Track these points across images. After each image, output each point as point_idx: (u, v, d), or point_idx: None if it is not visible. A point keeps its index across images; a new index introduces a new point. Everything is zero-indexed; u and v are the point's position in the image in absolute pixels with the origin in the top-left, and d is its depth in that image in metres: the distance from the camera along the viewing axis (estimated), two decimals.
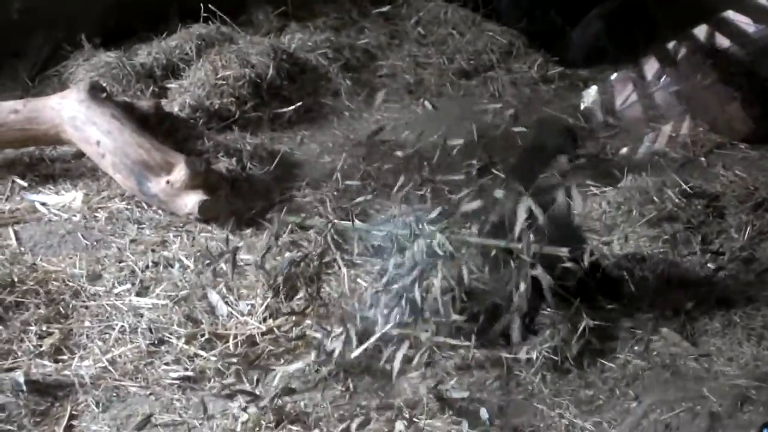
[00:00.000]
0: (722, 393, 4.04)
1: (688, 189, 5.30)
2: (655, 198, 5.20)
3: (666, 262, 4.85)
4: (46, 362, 4.15)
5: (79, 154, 5.56)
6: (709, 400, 4.00)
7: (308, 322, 4.43)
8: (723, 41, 7.39)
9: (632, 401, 4.03)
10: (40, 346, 4.22)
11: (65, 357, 4.20)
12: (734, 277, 4.74)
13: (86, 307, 4.47)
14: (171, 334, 4.32)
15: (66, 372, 4.09)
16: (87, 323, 4.37)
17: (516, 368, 4.21)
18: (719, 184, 5.59)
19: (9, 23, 6.54)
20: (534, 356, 4.20)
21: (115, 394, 4.03)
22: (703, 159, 6.02)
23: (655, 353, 4.33)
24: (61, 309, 4.45)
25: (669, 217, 5.11)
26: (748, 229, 5.10)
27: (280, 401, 3.99)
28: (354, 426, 3.84)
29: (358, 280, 4.69)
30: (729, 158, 6.04)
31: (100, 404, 3.97)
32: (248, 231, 5.10)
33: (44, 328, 4.31)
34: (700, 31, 7.43)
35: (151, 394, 4.05)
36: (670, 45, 7.34)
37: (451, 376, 4.17)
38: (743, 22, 7.30)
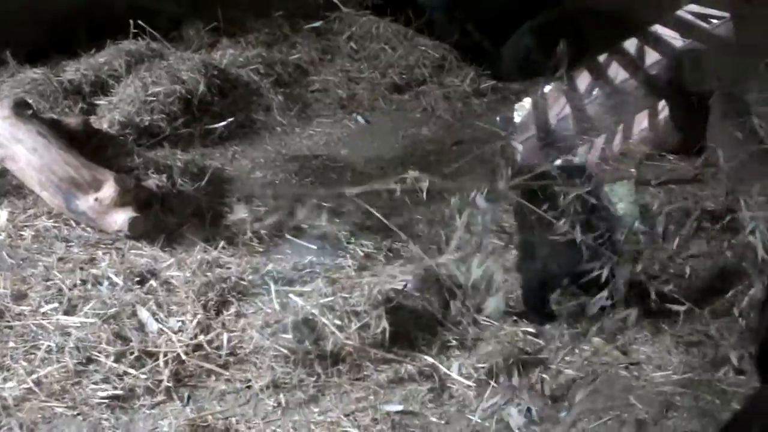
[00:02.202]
0: (649, 400, 4.06)
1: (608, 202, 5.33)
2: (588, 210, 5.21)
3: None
4: None
5: (4, 172, 5.47)
6: (635, 407, 4.02)
7: (240, 337, 4.39)
8: (651, 54, 7.49)
9: (563, 411, 4.04)
10: None
11: None
12: (664, 287, 4.77)
13: (11, 327, 4.38)
14: (99, 352, 4.24)
15: None
16: (11, 344, 4.28)
17: (448, 381, 4.21)
18: (648, 195, 5.63)
19: None
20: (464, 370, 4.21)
21: (40, 416, 3.94)
22: (633, 170, 6.07)
23: (586, 362, 4.35)
24: None
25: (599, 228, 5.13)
26: (677, 239, 5.14)
27: (211, 418, 3.94)
28: None
29: (290, 295, 4.64)
30: (659, 169, 6.09)
31: (25, 427, 3.88)
32: (178, 247, 5.04)
33: None
34: (630, 45, 7.51)
35: (78, 414, 3.97)
36: (601, 58, 7.41)
37: (384, 389, 4.15)
38: (670, 35, 7.40)
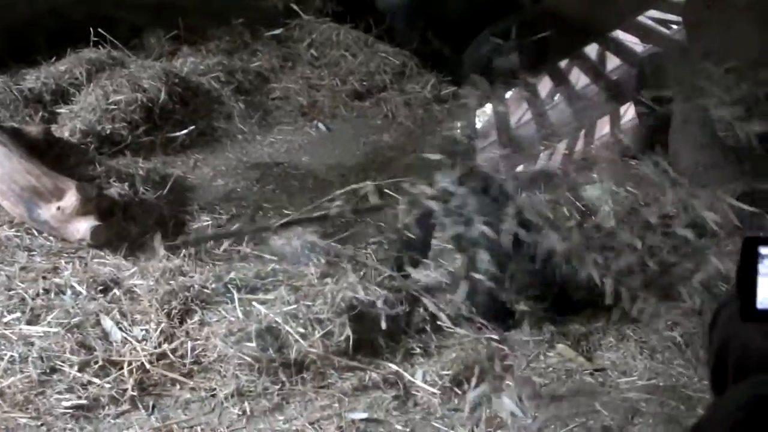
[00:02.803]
0: (614, 407, 4.10)
1: (581, 206, 5.36)
2: (549, 215, 5.24)
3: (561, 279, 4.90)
4: None
5: None
6: (601, 414, 4.06)
7: (204, 345, 4.38)
8: (612, 59, 7.55)
9: (529, 418, 4.06)
10: None
11: None
12: (628, 292, 4.80)
13: None
14: (63, 362, 4.22)
15: None
16: None
17: (413, 388, 4.22)
18: (611, 200, 5.66)
19: None
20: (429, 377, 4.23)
21: (3, 427, 3.92)
22: (595, 175, 6.10)
23: (551, 369, 4.38)
24: None
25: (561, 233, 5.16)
26: (640, 244, 5.17)
27: (176, 427, 3.94)
28: None
29: (254, 303, 4.64)
30: (620, 174, 6.12)
31: None
32: (141, 256, 5.02)
33: None
34: (591, 50, 7.57)
35: (42, 424, 3.95)
36: (562, 64, 7.46)
37: (349, 397, 4.16)
38: (631, 41, 7.47)
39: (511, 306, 4.62)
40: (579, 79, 7.62)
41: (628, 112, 7.35)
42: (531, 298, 4.63)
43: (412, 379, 4.26)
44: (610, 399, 4.16)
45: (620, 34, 7.53)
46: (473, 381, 4.17)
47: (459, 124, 6.62)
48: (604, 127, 7.32)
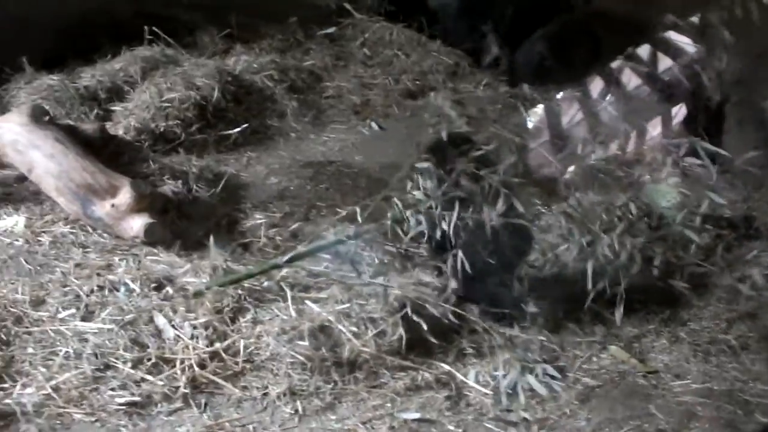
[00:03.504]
0: (669, 410, 4.06)
1: (634, 207, 5.32)
2: (603, 216, 5.21)
3: (614, 279, 4.87)
4: None
5: (22, 178, 5.48)
6: (656, 417, 4.02)
7: (256, 344, 4.39)
8: (664, 60, 7.48)
9: (583, 420, 4.03)
10: None
11: (7, 385, 4.08)
12: (682, 294, 4.76)
13: (29, 333, 4.37)
14: (117, 358, 4.23)
15: (7, 401, 3.99)
16: (30, 350, 4.27)
17: (465, 388, 4.21)
18: (664, 201, 5.62)
19: None
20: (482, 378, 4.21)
21: (59, 422, 3.94)
22: (648, 177, 6.05)
23: (603, 371, 4.35)
24: (3, 335, 4.33)
25: (617, 234, 5.12)
26: (693, 246, 5.12)
27: (228, 425, 3.95)
28: None
29: (306, 302, 4.64)
30: (672, 175, 6.06)
31: None
32: (194, 253, 5.04)
33: None
34: (643, 51, 7.50)
35: (96, 420, 3.97)
36: (614, 64, 7.40)
37: (401, 396, 4.16)
38: (683, 41, 7.39)
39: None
40: (630, 79, 7.55)
41: (681, 113, 7.27)
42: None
43: (465, 380, 4.24)
44: (665, 402, 4.12)
45: (672, 35, 7.46)
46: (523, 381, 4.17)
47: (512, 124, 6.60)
48: (656, 127, 7.24)
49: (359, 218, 4.56)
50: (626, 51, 7.18)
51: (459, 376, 4.26)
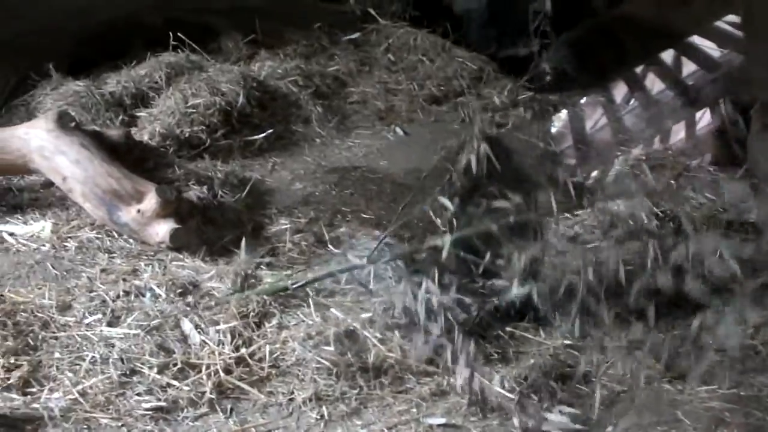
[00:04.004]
0: (697, 416, 4.04)
1: (658, 212, 5.31)
2: (629, 221, 5.20)
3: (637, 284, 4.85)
4: (14, 395, 4.06)
5: (48, 184, 5.52)
6: (684, 423, 4.00)
7: (282, 349, 4.40)
8: (689, 65, 7.46)
9: (609, 426, 4.02)
10: (8, 378, 4.13)
11: (34, 389, 4.10)
12: (707, 299, 4.74)
13: (56, 338, 4.39)
14: (143, 364, 4.25)
15: (35, 405, 4.01)
16: (57, 354, 4.29)
17: (491, 394, 4.20)
18: (689, 207, 5.60)
19: None
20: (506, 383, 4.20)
21: (85, 427, 3.95)
22: (672, 182, 6.04)
23: (629, 376, 4.33)
24: (30, 340, 4.36)
25: (640, 240, 5.11)
26: (719, 251, 5.10)
27: (254, 430, 3.96)
28: None
29: (332, 309, 4.65)
30: (698, 181, 6.05)
31: None
32: (220, 259, 5.06)
33: (12, 361, 4.22)
34: (667, 56, 7.49)
35: (123, 425, 3.97)
36: (638, 69, 7.40)
37: (427, 402, 4.15)
38: (708, 47, 7.38)
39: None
40: (655, 84, 7.54)
41: (705, 118, 7.26)
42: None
43: (491, 385, 4.23)
44: (693, 408, 4.09)
45: (697, 39, 7.45)
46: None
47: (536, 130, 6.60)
48: (679, 132, 7.23)
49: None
50: (650, 56, 7.19)
51: (484, 381, 4.25)
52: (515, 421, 4.00)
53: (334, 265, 4.91)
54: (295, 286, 4.71)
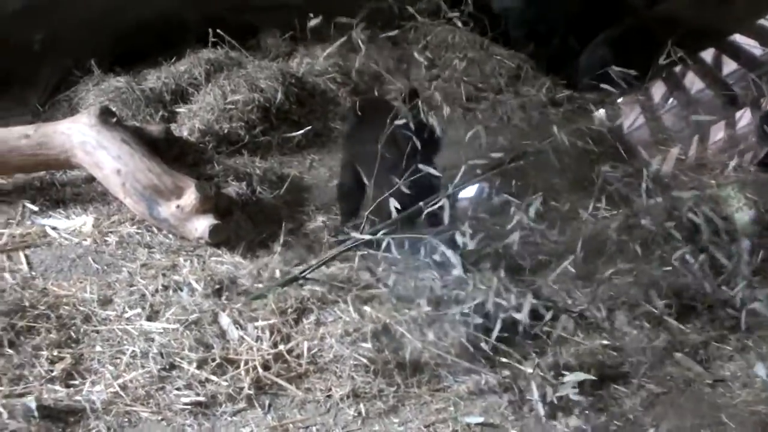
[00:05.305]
0: (741, 419, 4.03)
1: (698, 211, 5.27)
2: (666, 221, 5.16)
3: (678, 286, 4.84)
4: (57, 387, 4.11)
5: (90, 179, 5.56)
6: (728, 426, 3.99)
7: (319, 346, 4.42)
8: (729, 64, 7.42)
9: (649, 427, 4.01)
10: (52, 371, 4.19)
11: (77, 382, 4.16)
12: (746, 300, 4.71)
13: (97, 332, 4.44)
14: (182, 358, 4.29)
15: (77, 397, 4.06)
16: (98, 348, 4.34)
17: (528, 393, 4.20)
18: (729, 207, 5.56)
19: (19, 49, 6.55)
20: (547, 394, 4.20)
21: (126, 420, 4.00)
22: (713, 181, 6.00)
23: (668, 378, 4.32)
24: (72, 333, 4.42)
25: (680, 240, 5.08)
26: (760, 252, 5.07)
27: (291, 426, 3.98)
28: None
29: (365, 307, 4.65)
30: (739, 181, 6.01)
31: (112, 430, 3.94)
32: (258, 255, 5.08)
33: (56, 353, 4.28)
34: (707, 54, 7.45)
35: (162, 419, 4.02)
36: (677, 68, 7.36)
37: (464, 400, 4.16)
38: (750, 45, 7.34)
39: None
40: (694, 83, 7.51)
41: (745, 117, 7.21)
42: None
43: (528, 384, 4.23)
44: (736, 411, 4.08)
45: (738, 38, 7.41)
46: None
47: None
48: (719, 132, 7.18)
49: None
50: (690, 54, 7.14)
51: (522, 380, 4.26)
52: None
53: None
54: (304, 274, 4.72)
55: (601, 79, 7.35)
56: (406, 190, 4.68)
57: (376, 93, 6.78)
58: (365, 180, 5.04)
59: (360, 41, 4.80)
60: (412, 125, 4.81)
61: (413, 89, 5.59)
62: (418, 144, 4.83)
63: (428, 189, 4.83)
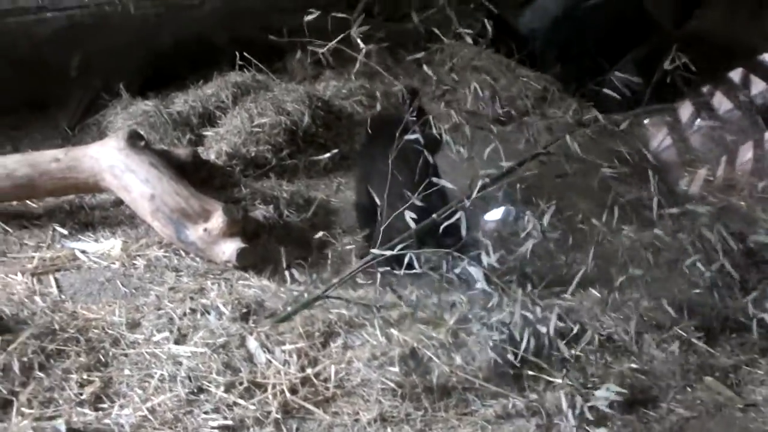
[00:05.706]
0: None
1: (726, 233, 5.24)
2: (695, 242, 5.14)
3: (707, 308, 4.81)
4: (86, 410, 4.11)
5: (118, 202, 5.60)
6: None
7: (347, 369, 4.41)
8: (758, 83, 7.39)
9: None
10: (81, 394, 4.19)
11: (105, 405, 4.16)
12: None
13: (126, 355, 4.44)
14: (210, 382, 4.29)
15: (106, 420, 4.07)
16: (126, 371, 4.34)
17: (556, 417, 4.18)
18: (759, 228, 5.53)
19: (49, 74, 6.60)
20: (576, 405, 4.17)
21: None
22: (742, 203, 5.97)
23: (698, 402, 4.29)
24: (101, 357, 4.42)
25: (708, 261, 5.05)
26: None
27: None
28: None
29: (392, 330, 4.62)
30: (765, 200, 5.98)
31: None
32: (286, 278, 5.08)
33: (85, 376, 4.29)
34: (735, 75, 7.42)
35: None
36: (705, 88, 7.34)
37: (492, 424, 4.14)
38: None
39: None
40: (722, 103, 7.48)
41: None
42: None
43: (556, 408, 4.21)
44: None
45: (767, 57, 7.38)
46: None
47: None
48: (747, 152, 7.15)
49: None
50: (718, 74, 7.12)
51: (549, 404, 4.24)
52: None
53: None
54: (324, 293, 4.71)
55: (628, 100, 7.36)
56: (419, 204, 4.63)
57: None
58: (376, 198, 5.02)
59: (359, 40, 4.72)
60: (420, 138, 4.79)
61: (414, 88, 5.61)
62: (430, 158, 4.81)
63: (441, 203, 4.82)
